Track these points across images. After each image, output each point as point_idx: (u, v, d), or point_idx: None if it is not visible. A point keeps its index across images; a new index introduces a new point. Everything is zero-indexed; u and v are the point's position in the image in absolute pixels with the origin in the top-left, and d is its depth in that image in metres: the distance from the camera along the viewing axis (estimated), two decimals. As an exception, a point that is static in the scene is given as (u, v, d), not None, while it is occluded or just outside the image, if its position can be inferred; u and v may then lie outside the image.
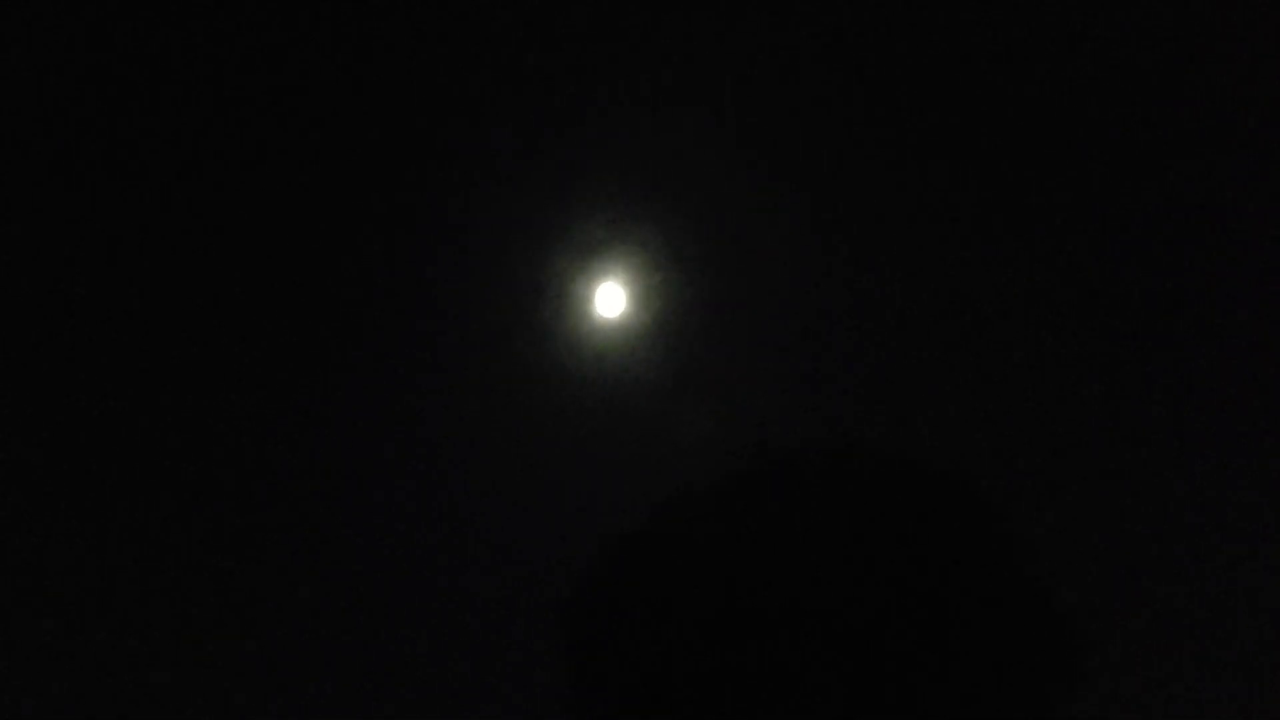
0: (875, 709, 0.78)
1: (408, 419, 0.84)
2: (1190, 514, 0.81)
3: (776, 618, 0.79)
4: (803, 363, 0.83)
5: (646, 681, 0.80)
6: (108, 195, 0.89)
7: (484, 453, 0.84)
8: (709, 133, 0.86)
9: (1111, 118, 0.85)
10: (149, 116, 0.89)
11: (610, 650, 0.80)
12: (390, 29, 0.88)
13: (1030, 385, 0.82)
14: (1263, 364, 0.82)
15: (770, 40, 0.86)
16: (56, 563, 0.83)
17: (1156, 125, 0.85)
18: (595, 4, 0.87)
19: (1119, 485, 0.81)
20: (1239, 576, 0.80)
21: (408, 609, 0.82)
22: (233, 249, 0.87)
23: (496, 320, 0.85)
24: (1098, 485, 0.81)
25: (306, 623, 0.82)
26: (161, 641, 0.82)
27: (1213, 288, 0.83)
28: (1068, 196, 0.84)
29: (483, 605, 0.82)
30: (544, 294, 0.85)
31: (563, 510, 0.82)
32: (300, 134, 0.88)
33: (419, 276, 0.86)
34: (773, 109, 0.86)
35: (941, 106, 0.85)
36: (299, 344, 0.86)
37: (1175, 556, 0.80)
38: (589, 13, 0.87)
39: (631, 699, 0.80)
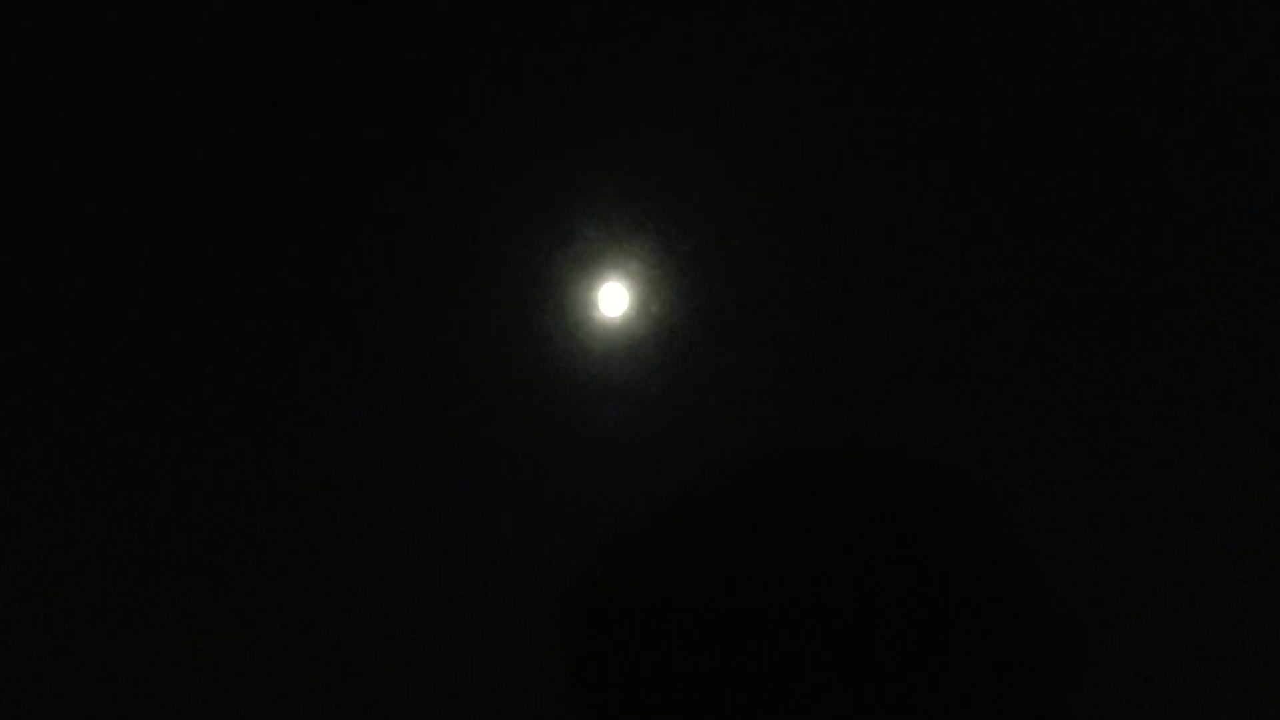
0: (878, 709, 0.78)
1: (407, 419, 0.84)
2: (1194, 514, 0.81)
3: (781, 619, 0.79)
4: (807, 363, 0.83)
5: (652, 683, 0.80)
6: (106, 194, 0.88)
7: (485, 453, 0.84)
8: (714, 133, 0.86)
9: (1120, 116, 0.85)
10: (147, 116, 0.89)
11: (613, 653, 0.80)
12: (391, 29, 0.88)
13: (1037, 387, 0.82)
14: (1267, 362, 0.82)
15: (776, 41, 0.86)
16: (55, 563, 0.83)
17: (1159, 125, 0.85)
18: (598, 4, 0.87)
19: (1122, 485, 0.81)
20: (1243, 576, 0.80)
21: (409, 611, 0.82)
22: (231, 250, 0.87)
23: (498, 320, 0.85)
24: (1103, 486, 0.81)
25: (310, 624, 0.82)
26: (160, 642, 0.82)
27: (1217, 287, 0.83)
28: (1076, 199, 0.84)
29: (485, 608, 0.82)
30: (546, 294, 0.85)
31: (563, 511, 0.82)
32: (300, 134, 0.87)
33: (418, 277, 0.86)
34: (779, 110, 0.86)
35: (948, 108, 0.85)
36: (300, 345, 0.86)
37: (1179, 556, 0.80)
38: (592, 13, 0.86)
39: (638, 701, 0.80)
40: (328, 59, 0.88)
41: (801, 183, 0.85)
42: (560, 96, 0.86)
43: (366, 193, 0.87)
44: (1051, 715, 0.79)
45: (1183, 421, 0.82)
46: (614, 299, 0.84)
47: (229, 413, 0.85)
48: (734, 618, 0.80)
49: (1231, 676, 0.79)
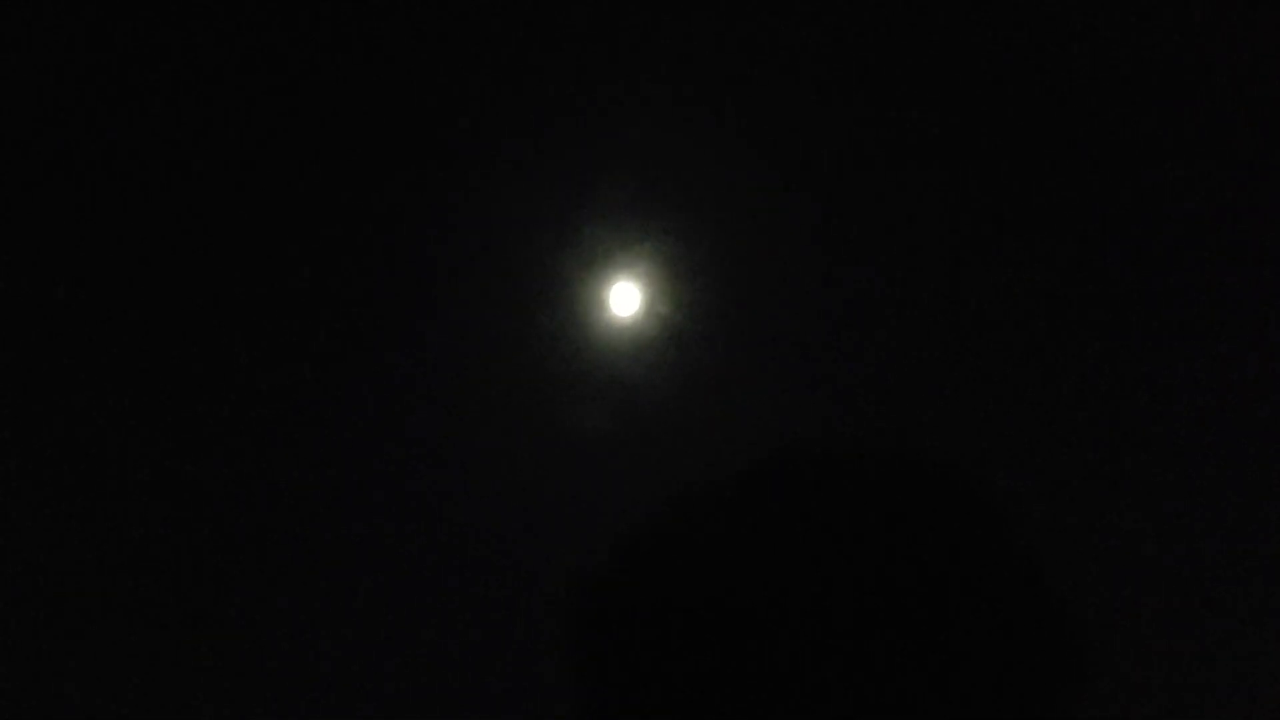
0: (882, 709, 0.79)
1: (417, 419, 0.84)
2: (1200, 513, 0.82)
3: (790, 618, 0.79)
4: (816, 364, 0.83)
5: (658, 683, 0.80)
6: (106, 194, 0.87)
7: (495, 452, 0.83)
8: (725, 135, 0.86)
9: (1125, 116, 0.85)
10: (151, 116, 0.88)
11: (622, 653, 0.81)
12: (402, 30, 0.87)
13: (1045, 388, 0.83)
14: (1268, 362, 0.83)
15: (787, 44, 0.86)
16: (53, 563, 0.82)
17: (1161, 125, 0.85)
18: (611, 6, 0.87)
19: (1129, 486, 0.82)
20: (1245, 576, 0.81)
21: (417, 610, 0.82)
22: (237, 251, 0.86)
23: (509, 320, 0.85)
24: (1110, 488, 0.82)
25: (315, 625, 0.82)
26: (161, 642, 0.82)
27: (1220, 287, 0.84)
28: (1085, 199, 0.85)
29: (491, 608, 0.82)
30: (556, 294, 0.85)
31: (573, 510, 0.82)
32: (311, 135, 0.87)
33: (429, 277, 0.85)
34: (789, 113, 0.86)
35: (957, 110, 0.85)
36: (311, 346, 0.85)
37: (1181, 556, 0.81)
38: (605, 14, 0.86)
39: (645, 700, 0.80)
40: (339, 60, 0.87)
41: (811, 185, 0.85)
42: (572, 98, 0.86)
43: (377, 194, 0.86)
44: (1055, 715, 0.79)
45: (1186, 421, 0.83)
46: (624, 299, 0.84)
47: (238, 413, 0.85)
48: (744, 617, 0.80)
49: (1234, 677, 0.79)
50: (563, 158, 0.86)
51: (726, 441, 0.82)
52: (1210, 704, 0.79)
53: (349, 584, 0.82)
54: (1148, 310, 0.84)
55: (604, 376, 0.84)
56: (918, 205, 0.85)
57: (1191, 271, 0.84)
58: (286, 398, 0.84)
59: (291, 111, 0.87)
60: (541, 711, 0.81)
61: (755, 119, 0.86)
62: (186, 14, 0.88)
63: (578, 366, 0.84)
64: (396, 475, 0.83)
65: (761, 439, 0.82)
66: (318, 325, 0.85)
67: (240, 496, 0.83)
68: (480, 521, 0.83)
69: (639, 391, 0.83)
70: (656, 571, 0.81)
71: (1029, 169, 0.85)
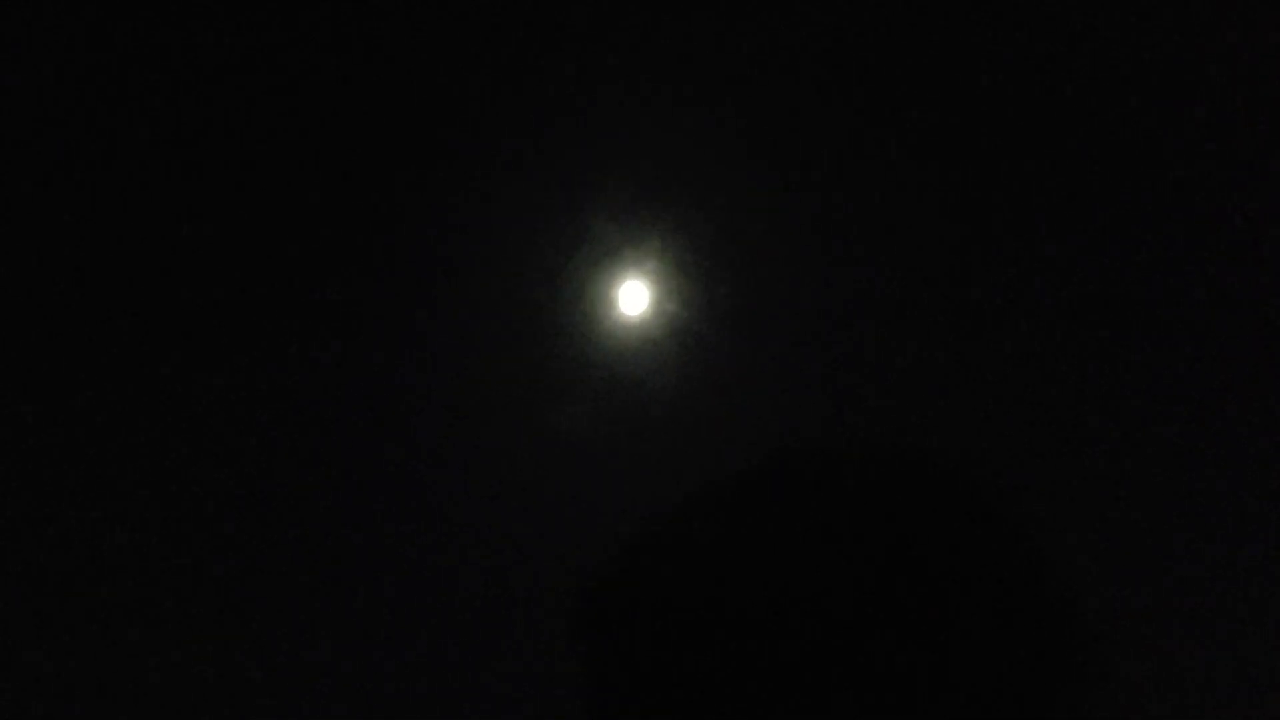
0: (889, 709, 0.79)
1: (427, 418, 0.84)
2: (1204, 514, 0.82)
3: (798, 618, 0.79)
4: (823, 362, 0.83)
5: (666, 683, 0.80)
6: (109, 194, 0.87)
7: (505, 450, 0.83)
8: (733, 135, 0.86)
9: (1135, 117, 0.86)
10: (152, 116, 0.88)
11: (630, 652, 0.80)
12: (409, 31, 0.88)
13: (1054, 387, 0.83)
14: (1271, 362, 0.83)
15: (797, 44, 0.87)
16: (55, 563, 0.82)
17: (1164, 124, 0.86)
18: (620, 6, 0.87)
19: (1137, 485, 0.82)
20: (1249, 576, 0.81)
21: (424, 610, 0.82)
22: (249, 251, 0.86)
23: (518, 318, 0.85)
24: (1119, 489, 0.82)
25: (321, 626, 0.82)
26: (167, 644, 0.81)
27: (1227, 287, 0.84)
28: (1095, 200, 0.85)
29: (498, 607, 0.81)
30: (565, 292, 0.85)
31: (581, 508, 0.82)
32: (322, 137, 0.87)
33: (438, 276, 0.86)
34: (797, 112, 0.86)
35: (965, 113, 0.86)
36: (318, 345, 0.85)
37: (1186, 556, 0.81)
38: (614, 15, 0.87)
39: (653, 701, 0.80)
40: (348, 62, 0.88)
41: (819, 184, 0.86)
42: (581, 97, 0.86)
43: (385, 194, 0.87)
44: (1058, 715, 0.79)
45: (1190, 422, 0.83)
46: (633, 297, 0.84)
47: (248, 413, 0.84)
48: (754, 616, 0.80)
49: (1237, 677, 0.79)
50: (571, 157, 0.86)
51: (734, 439, 0.82)
52: (1212, 704, 0.79)
53: (358, 585, 0.82)
54: (1154, 310, 0.84)
55: (612, 374, 0.84)
56: (926, 205, 0.85)
57: (1200, 270, 0.84)
58: (293, 398, 0.84)
59: (297, 112, 0.87)
60: (551, 712, 0.80)
61: (764, 119, 0.86)
62: (186, 14, 0.88)
63: (586, 364, 0.84)
64: (404, 474, 0.83)
65: (769, 437, 0.82)
66: (329, 326, 0.85)
67: (246, 498, 0.83)
68: (488, 520, 0.83)
69: (647, 389, 0.83)
70: (664, 570, 0.81)
71: (1038, 168, 0.85)
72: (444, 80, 0.87)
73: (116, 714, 0.80)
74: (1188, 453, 0.82)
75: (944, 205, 0.85)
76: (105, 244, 0.87)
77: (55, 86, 0.89)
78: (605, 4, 0.87)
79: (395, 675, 0.81)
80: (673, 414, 0.83)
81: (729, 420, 0.83)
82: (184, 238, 0.86)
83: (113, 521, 0.83)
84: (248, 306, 0.86)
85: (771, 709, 0.78)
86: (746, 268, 0.84)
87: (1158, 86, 0.86)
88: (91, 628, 0.82)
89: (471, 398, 0.84)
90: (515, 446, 0.83)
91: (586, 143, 0.86)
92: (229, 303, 0.86)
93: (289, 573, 0.83)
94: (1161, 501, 0.81)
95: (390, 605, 0.82)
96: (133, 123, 0.89)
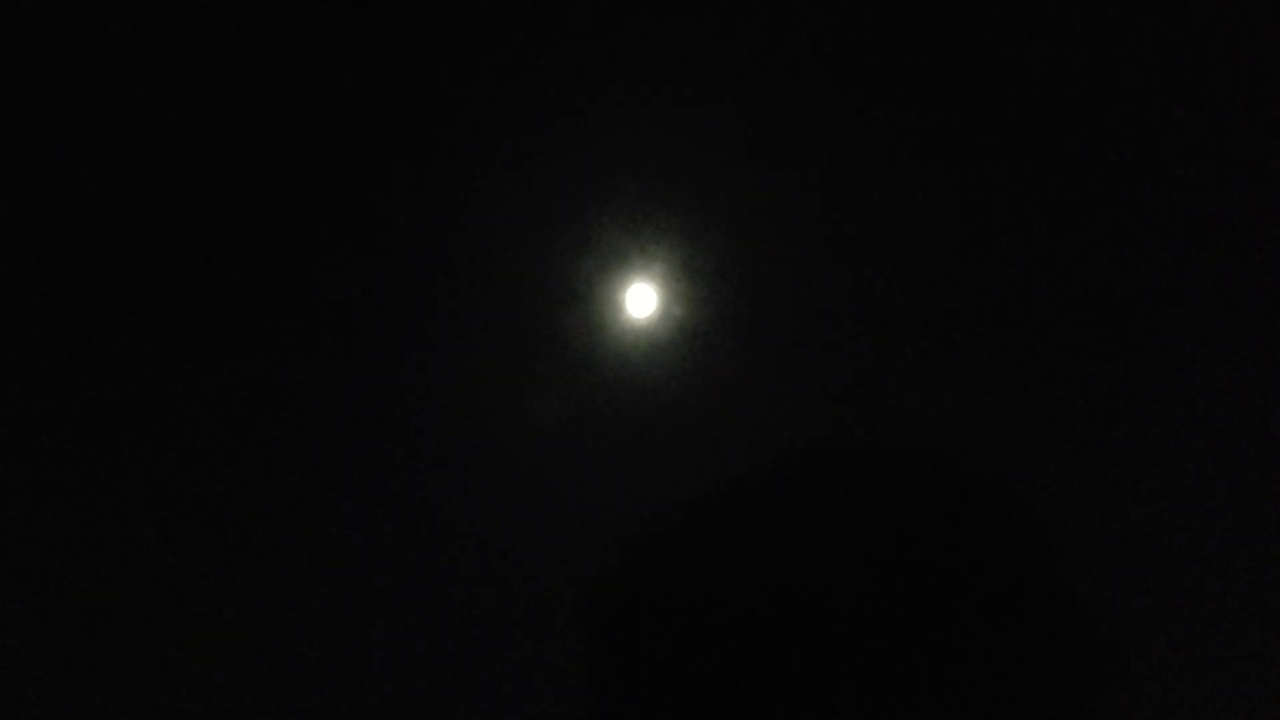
0: (898, 710, 0.79)
1: (434, 421, 0.84)
2: (1211, 515, 0.82)
3: (805, 619, 0.80)
4: (831, 365, 0.83)
5: (672, 684, 0.80)
6: (113, 194, 0.87)
7: (512, 454, 0.83)
8: (740, 137, 0.86)
9: (1143, 117, 0.86)
10: (168, 118, 0.88)
11: (638, 655, 0.81)
12: (417, 32, 0.87)
13: (1066, 392, 0.83)
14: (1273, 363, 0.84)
15: (804, 46, 0.87)
16: (55, 563, 0.82)
17: (1170, 124, 0.86)
18: (628, 9, 0.87)
19: (1145, 484, 0.82)
20: (1253, 576, 0.81)
21: (431, 611, 0.82)
22: (256, 251, 0.86)
23: (526, 321, 0.85)
24: (1130, 489, 0.82)
25: (330, 628, 0.82)
26: (167, 645, 0.81)
27: (1238, 287, 0.84)
28: (1108, 202, 0.85)
29: (506, 609, 0.82)
30: (573, 295, 0.85)
31: (589, 510, 0.82)
32: (330, 139, 0.87)
33: (445, 279, 0.85)
34: (804, 115, 0.86)
35: (977, 112, 0.86)
36: (326, 348, 0.85)
37: (1193, 557, 0.81)
38: (621, 18, 0.86)
39: (658, 702, 0.80)
40: (361, 64, 0.87)
41: (826, 187, 0.86)
42: (587, 100, 0.86)
43: (393, 197, 0.86)
44: (1068, 716, 0.79)
45: (1197, 423, 0.83)
46: (640, 301, 0.84)
47: (256, 415, 0.84)
48: (760, 618, 0.80)
49: (1241, 677, 0.80)
50: (578, 160, 0.86)
51: (741, 441, 0.83)
52: (1220, 704, 0.79)
53: (363, 585, 0.82)
54: (1173, 313, 0.84)
55: (620, 378, 0.84)
56: (934, 208, 0.85)
57: (1211, 269, 0.84)
58: (299, 400, 0.84)
59: (301, 113, 0.87)
60: (556, 713, 0.80)
61: (771, 122, 0.86)
62: (186, 14, 0.88)
63: (594, 367, 0.84)
64: (412, 476, 0.83)
65: (776, 439, 0.82)
66: (334, 329, 0.85)
67: (257, 499, 0.83)
68: (494, 521, 0.83)
69: (655, 392, 0.83)
70: (671, 572, 0.81)
71: (1044, 168, 0.85)
72: (452, 83, 0.87)
73: (117, 714, 0.80)
74: (1194, 453, 0.83)
75: (952, 208, 0.85)
76: (105, 244, 0.86)
77: (55, 86, 0.88)
78: (612, 7, 0.87)
79: (400, 676, 0.81)
80: (680, 416, 0.83)
81: (736, 422, 0.83)
82: (194, 238, 0.86)
83: (111, 521, 0.83)
84: (257, 312, 0.86)
85: (776, 710, 0.79)
86: (754, 271, 0.84)
87: (1159, 87, 0.86)
88: (91, 628, 0.81)
89: (478, 400, 0.84)
90: (522, 448, 0.83)
91: (594, 145, 0.86)
92: (245, 306, 0.86)
93: (296, 574, 0.83)
94: (1170, 501, 0.82)
95: (396, 606, 0.82)
96: (133, 122, 0.88)
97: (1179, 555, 0.81)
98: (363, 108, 0.87)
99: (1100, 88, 0.86)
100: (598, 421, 0.83)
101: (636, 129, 0.86)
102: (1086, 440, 0.83)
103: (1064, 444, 0.83)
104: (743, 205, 0.85)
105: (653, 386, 0.84)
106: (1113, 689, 0.79)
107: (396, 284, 0.85)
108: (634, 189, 0.86)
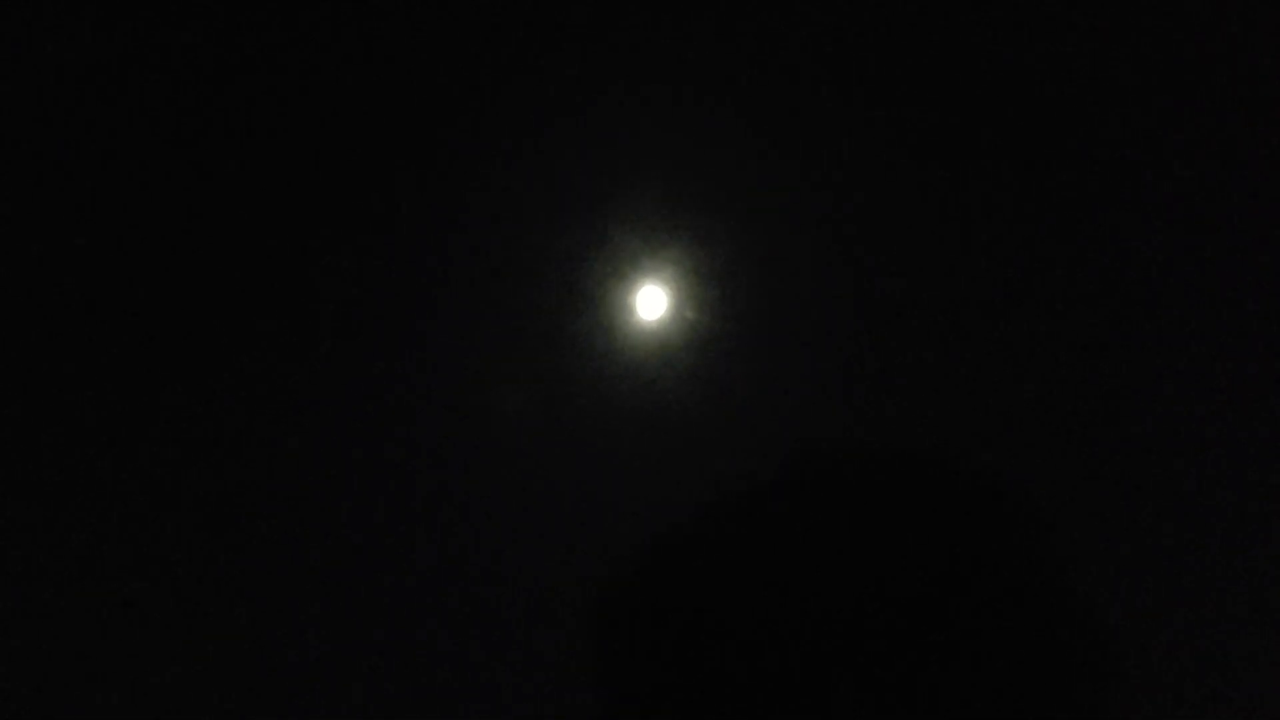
0: (907, 712, 0.79)
1: (443, 423, 0.84)
2: (1220, 517, 0.82)
3: (820, 624, 0.80)
4: (842, 368, 0.83)
5: (682, 687, 0.80)
6: (109, 193, 0.86)
7: (522, 457, 0.83)
8: (752, 139, 0.86)
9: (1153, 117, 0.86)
10: (158, 117, 0.87)
11: (648, 657, 0.81)
12: (428, 33, 0.87)
13: (1080, 395, 0.83)
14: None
15: (815, 48, 0.87)
16: (55, 563, 0.81)
17: (1172, 123, 0.86)
18: (639, 11, 0.86)
19: (1159, 488, 0.82)
20: (1257, 575, 0.81)
21: (440, 613, 0.81)
22: (264, 252, 0.86)
23: (536, 323, 0.84)
24: (1142, 493, 0.82)
25: (337, 629, 0.81)
26: (169, 646, 0.81)
27: (1251, 288, 0.85)
28: (1123, 203, 0.86)
29: (516, 612, 0.81)
30: (583, 298, 0.84)
31: (598, 514, 0.82)
32: (338, 140, 0.86)
33: (455, 281, 0.85)
34: (816, 117, 0.86)
35: (989, 114, 0.86)
36: (334, 350, 0.85)
37: (1201, 558, 0.81)
38: (633, 19, 0.86)
39: (667, 705, 0.80)
40: (365, 63, 0.87)
41: (838, 188, 0.86)
42: (599, 102, 0.86)
43: (403, 199, 0.86)
44: (1070, 717, 0.80)
45: (1206, 424, 0.83)
46: (651, 303, 0.84)
47: (261, 416, 0.84)
48: (770, 621, 0.80)
49: (1245, 678, 0.80)
50: (590, 162, 0.86)
51: (752, 444, 0.82)
52: (1218, 705, 0.80)
53: (372, 585, 0.82)
54: (1187, 314, 0.84)
55: (630, 380, 0.83)
56: (948, 210, 0.85)
57: (1212, 269, 0.84)
58: (301, 402, 0.84)
59: (312, 115, 0.87)
60: (565, 715, 0.81)
61: (783, 123, 0.86)
62: (186, 14, 0.87)
63: (604, 371, 0.84)
64: (419, 479, 0.83)
65: (788, 442, 0.82)
66: (342, 330, 0.84)
67: (265, 500, 0.83)
68: (504, 524, 0.82)
69: (665, 395, 0.83)
70: (682, 575, 0.81)
71: (1060, 169, 0.86)
72: (462, 84, 0.87)
73: (117, 714, 0.80)
74: (1198, 454, 0.83)
75: (967, 210, 0.85)
76: (105, 243, 0.86)
77: (55, 86, 0.87)
78: (625, 10, 0.86)
79: (405, 677, 0.81)
80: (691, 419, 0.83)
81: (747, 425, 0.83)
82: (214, 242, 0.86)
83: (109, 521, 0.82)
84: (255, 314, 0.85)
85: (786, 712, 0.79)
86: (765, 273, 0.84)
87: (1162, 87, 0.87)
88: (90, 628, 0.81)
89: (489, 402, 0.84)
90: (532, 450, 0.83)
91: (606, 147, 0.86)
92: (237, 306, 0.85)
93: (301, 575, 0.82)
94: (1173, 501, 0.82)
95: (405, 608, 0.82)
96: (133, 122, 0.87)
97: (1182, 556, 0.81)
98: (373, 109, 0.87)
99: (1117, 87, 0.87)
100: (608, 424, 0.83)
101: (648, 131, 0.86)
102: (1106, 447, 0.83)
103: (1081, 450, 0.83)
104: (754, 208, 0.85)
105: (664, 389, 0.83)
106: (1115, 690, 0.79)
107: (406, 285, 0.85)
108: (645, 191, 0.85)
